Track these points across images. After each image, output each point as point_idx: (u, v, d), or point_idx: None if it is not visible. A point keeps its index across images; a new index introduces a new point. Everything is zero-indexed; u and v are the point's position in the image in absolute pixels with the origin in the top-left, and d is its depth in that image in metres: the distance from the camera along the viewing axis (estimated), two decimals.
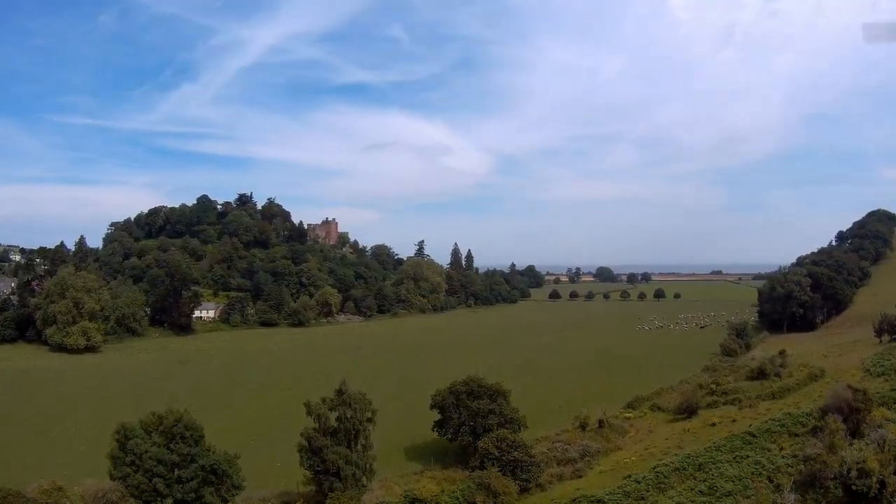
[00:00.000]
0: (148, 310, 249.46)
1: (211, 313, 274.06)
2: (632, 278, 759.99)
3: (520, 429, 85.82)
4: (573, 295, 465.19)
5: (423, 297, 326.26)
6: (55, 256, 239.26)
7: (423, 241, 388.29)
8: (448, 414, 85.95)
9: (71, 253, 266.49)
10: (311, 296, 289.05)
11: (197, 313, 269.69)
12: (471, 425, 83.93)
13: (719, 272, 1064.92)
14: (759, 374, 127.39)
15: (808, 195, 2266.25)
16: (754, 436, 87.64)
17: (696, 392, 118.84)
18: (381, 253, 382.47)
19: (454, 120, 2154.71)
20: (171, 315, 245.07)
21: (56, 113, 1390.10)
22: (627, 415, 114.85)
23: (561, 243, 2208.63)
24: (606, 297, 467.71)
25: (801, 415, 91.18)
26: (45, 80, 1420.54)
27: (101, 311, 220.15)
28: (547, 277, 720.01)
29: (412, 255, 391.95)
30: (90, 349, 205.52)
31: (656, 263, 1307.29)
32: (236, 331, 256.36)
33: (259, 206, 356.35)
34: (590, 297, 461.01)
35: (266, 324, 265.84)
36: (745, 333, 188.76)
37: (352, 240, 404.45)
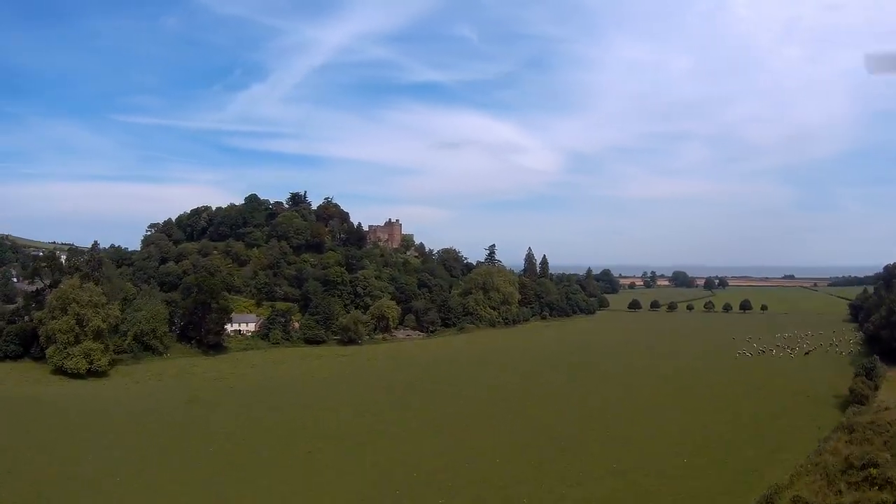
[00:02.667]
0: (178, 323, 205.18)
1: (251, 326, 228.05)
2: (709, 284, 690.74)
3: None
4: (654, 305, 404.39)
5: (494, 308, 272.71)
6: (71, 264, 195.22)
7: (493, 245, 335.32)
8: None
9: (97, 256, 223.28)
10: (365, 308, 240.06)
11: (235, 326, 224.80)
12: None
13: (792, 276, 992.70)
14: None
15: (879, 196, 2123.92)
16: None
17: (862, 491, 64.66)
18: (449, 257, 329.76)
19: (525, 118, 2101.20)
20: (199, 331, 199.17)
21: (124, 113, 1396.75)
22: None
23: (631, 243, 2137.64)
24: (690, 307, 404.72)
25: None
26: (113, 80, 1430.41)
27: (116, 328, 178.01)
28: (621, 281, 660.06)
29: (482, 258, 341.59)
30: (94, 373, 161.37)
31: (726, 265, 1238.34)
32: (276, 349, 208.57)
33: (316, 206, 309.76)
34: (672, 307, 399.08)
35: (311, 341, 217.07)
36: (875, 373, 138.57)
37: (417, 242, 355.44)
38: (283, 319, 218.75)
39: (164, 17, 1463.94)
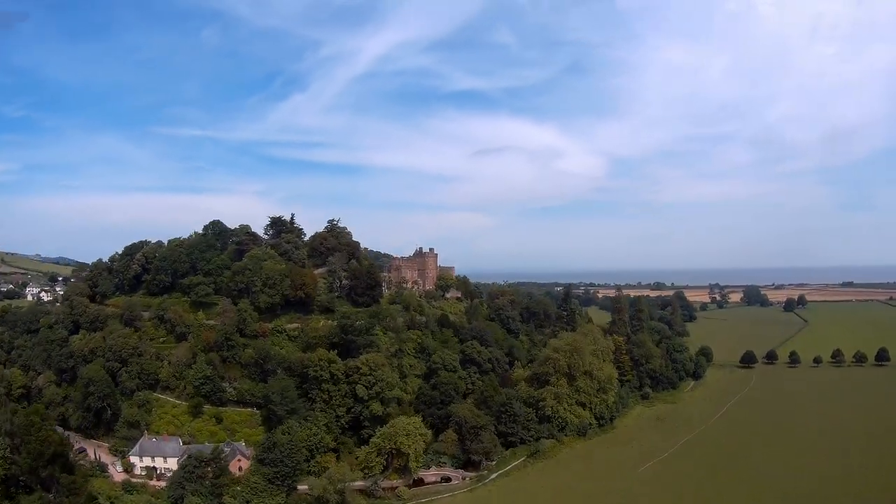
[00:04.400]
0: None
1: (171, 463, 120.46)
2: (789, 304, 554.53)
3: None
4: (770, 357, 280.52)
5: (583, 404, 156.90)
6: None
7: (570, 287, 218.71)
8: None
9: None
10: (373, 421, 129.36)
11: (146, 460, 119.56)
12: None
13: (851, 283, 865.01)
14: None
15: None
16: None
17: None
18: (503, 303, 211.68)
19: (567, 123, 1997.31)
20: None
21: (166, 125, 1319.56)
22: None
23: (675, 246, 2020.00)
24: (817, 361, 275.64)
25: None
26: (154, 93, 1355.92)
27: None
28: (687, 294, 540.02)
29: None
30: None
31: (770, 267, 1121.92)
32: None
33: (319, 229, 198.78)
34: (794, 361, 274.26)
35: None
36: None
37: (457, 273, 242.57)
38: (207, 471, 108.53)
39: (205, 30, 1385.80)
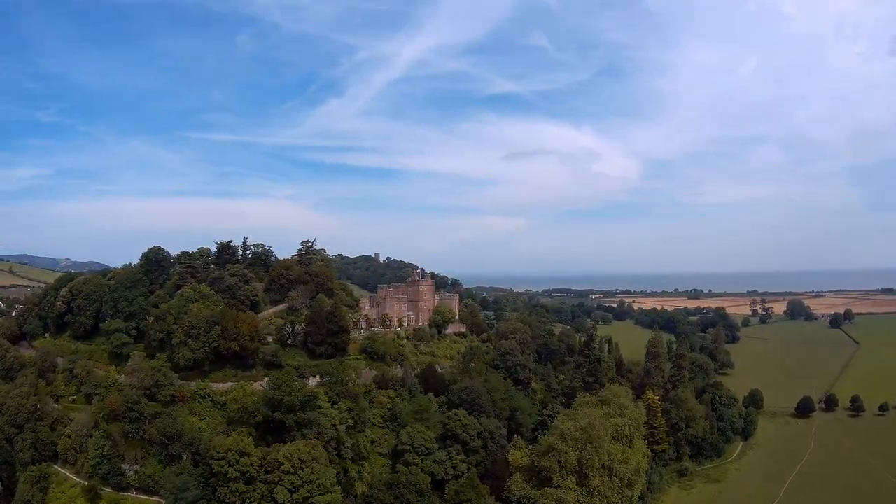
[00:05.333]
0: None
1: None
2: (835, 320, 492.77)
3: None
4: (829, 403, 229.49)
5: None
6: None
7: (593, 334, 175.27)
8: None
9: None
10: None
11: None
12: None
13: (890, 290, 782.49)
14: None
15: None
16: None
17: None
18: (509, 345, 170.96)
19: (602, 126, 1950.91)
20: None
21: (200, 130, 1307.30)
22: None
23: (710, 246, 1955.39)
24: (883, 408, 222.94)
25: None
26: (188, 99, 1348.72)
27: None
28: (726, 306, 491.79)
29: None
30: None
31: (804, 270, 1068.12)
32: None
33: (292, 251, 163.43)
34: (857, 409, 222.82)
35: None
36: None
37: (458, 293, 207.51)
38: None
39: (237, 36, 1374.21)
